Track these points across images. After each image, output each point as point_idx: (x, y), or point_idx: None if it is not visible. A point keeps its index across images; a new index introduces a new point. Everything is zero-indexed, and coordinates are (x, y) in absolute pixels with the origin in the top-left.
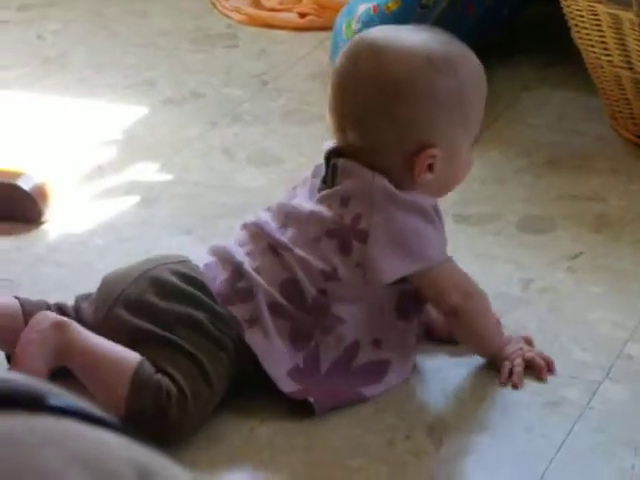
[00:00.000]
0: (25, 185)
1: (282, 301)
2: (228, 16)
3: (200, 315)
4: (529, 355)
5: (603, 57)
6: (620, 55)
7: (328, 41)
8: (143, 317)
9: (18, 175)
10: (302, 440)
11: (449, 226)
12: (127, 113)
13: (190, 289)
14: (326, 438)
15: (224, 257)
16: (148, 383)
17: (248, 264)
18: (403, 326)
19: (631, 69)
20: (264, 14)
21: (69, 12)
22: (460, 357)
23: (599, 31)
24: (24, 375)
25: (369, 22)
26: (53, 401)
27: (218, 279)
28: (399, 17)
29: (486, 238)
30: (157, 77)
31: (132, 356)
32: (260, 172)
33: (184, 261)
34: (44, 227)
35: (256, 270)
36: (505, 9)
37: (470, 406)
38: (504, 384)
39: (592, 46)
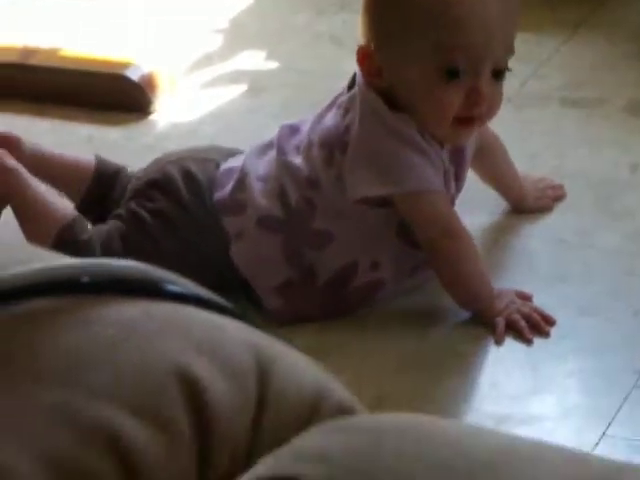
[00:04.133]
0: (133, 75)
1: (273, 213)
2: None
3: (178, 213)
4: (525, 310)
5: None
6: None
7: None
8: (138, 197)
9: (126, 65)
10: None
11: (555, 110)
12: (234, 1)
13: (184, 191)
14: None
15: (242, 163)
16: (72, 241)
17: (255, 173)
18: (406, 250)
19: None
20: None
21: None
22: None
23: None
24: (140, 263)
25: None
26: (170, 287)
27: (226, 187)
28: None
29: (594, 122)
30: None
31: (68, 212)
32: None
33: (209, 160)
34: (153, 117)
35: (259, 177)
36: None
37: None
38: (499, 343)
39: None
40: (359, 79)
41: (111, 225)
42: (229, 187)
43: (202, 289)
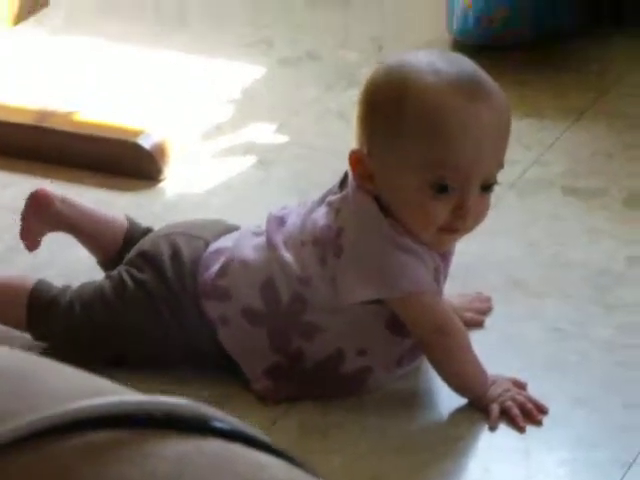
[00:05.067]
0: (145, 143)
1: (258, 306)
2: None
3: (160, 289)
4: (519, 399)
5: None
6: None
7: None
8: (130, 264)
9: (138, 133)
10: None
11: (557, 197)
12: (247, 72)
13: (168, 268)
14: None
15: (230, 245)
16: (42, 302)
17: (241, 258)
18: (394, 340)
19: None
20: None
21: None
22: None
23: None
24: (190, 400)
25: None
26: (218, 424)
27: (211, 269)
28: None
29: (593, 212)
30: (274, 35)
31: (27, 281)
32: None
33: (200, 238)
34: (162, 185)
35: (244, 265)
36: None
37: None
38: (493, 428)
39: None
40: (352, 181)
41: (98, 284)
42: (213, 270)
43: (247, 426)
